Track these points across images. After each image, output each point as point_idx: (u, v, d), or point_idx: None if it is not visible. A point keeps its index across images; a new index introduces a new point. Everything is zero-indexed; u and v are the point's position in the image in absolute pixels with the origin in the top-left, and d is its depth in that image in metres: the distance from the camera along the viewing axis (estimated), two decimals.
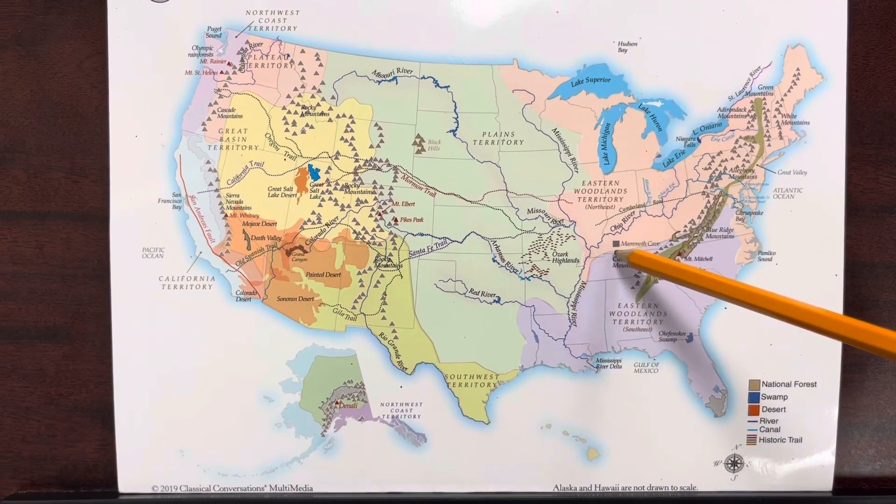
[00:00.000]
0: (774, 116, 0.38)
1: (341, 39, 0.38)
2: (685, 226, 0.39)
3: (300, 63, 0.38)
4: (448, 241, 0.39)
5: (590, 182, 0.38)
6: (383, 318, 0.39)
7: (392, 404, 0.39)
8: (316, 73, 0.38)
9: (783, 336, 0.39)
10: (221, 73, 0.38)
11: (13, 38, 0.38)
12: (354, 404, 0.39)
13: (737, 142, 0.39)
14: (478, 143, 0.38)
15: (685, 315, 0.39)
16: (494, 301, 0.39)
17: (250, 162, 0.38)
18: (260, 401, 0.39)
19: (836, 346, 0.39)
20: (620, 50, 0.38)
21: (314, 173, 0.38)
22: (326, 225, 0.38)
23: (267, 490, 0.39)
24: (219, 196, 0.38)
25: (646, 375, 0.39)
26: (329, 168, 0.38)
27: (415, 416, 0.39)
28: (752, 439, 0.39)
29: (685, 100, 0.38)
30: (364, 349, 0.39)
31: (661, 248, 0.39)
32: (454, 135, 0.38)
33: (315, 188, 0.38)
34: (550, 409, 0.39)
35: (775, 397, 0.39)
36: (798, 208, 0.39)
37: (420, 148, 0.38)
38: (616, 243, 0.38)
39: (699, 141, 0.39)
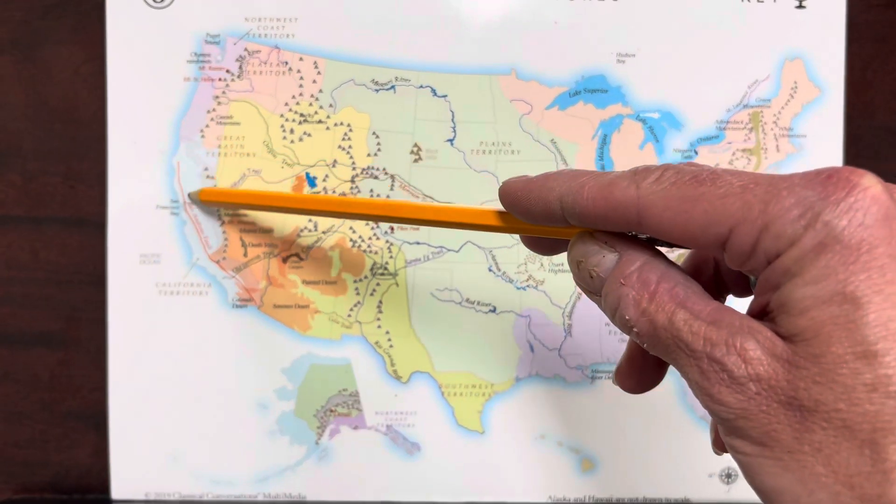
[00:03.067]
0: (772, 129, 0.39)
1: (340, 47, 0.38)
2: None
3: (298, 71, 0.38)
4: (444, 250, 0.39)
5: None
6: (379, 326, 0.39)
7: (386, 413, 0.39)
8: (314, 81, 0.38)
9: None
10: (220, 79, 0.38)
11: (10, 42, 0.38)
12: (349, 413, 0.39)
13: (734, 154, 0.39)
14: (475, 152, 0.38)
15: None
16: (490, 311, 0.39)
17: (248, 169, 0.38)
18: (254, 408, 0.39)
19: None
20: (619, 61, 0.38)
21: (311, 181, 0.38)
22: (323, 233, 0.38)
23: (260, 498, 0.39)
24: None
25: None
26: (326, 176, 0.38)
27: (409, 426, 0.39)
28: None
29: (683, 112, 0.38)
30: (359, 357, 0.39)
31: None
32: (451, 144, 0.38)
33: None
34: (545, 420, 0.39)
35: None
36: None
37: (417, 157, 0.38)
38: None
39: (696, 153, 0.39)
